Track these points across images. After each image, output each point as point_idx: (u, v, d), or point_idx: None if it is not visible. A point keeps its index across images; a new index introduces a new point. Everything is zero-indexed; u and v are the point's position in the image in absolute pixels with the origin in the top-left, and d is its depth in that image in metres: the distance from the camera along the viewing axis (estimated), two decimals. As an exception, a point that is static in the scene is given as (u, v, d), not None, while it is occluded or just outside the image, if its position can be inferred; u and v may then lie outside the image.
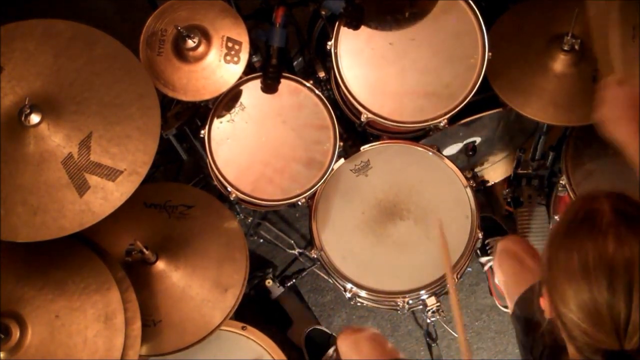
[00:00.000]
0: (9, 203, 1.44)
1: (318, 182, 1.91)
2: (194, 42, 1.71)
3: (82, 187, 1.47)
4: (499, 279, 1.88)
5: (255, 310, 2.34)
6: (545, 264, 1.09)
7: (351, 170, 1.99)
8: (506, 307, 2.39)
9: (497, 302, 2.42)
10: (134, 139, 1.51)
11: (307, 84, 1.93)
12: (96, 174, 1.48)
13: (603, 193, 1.06)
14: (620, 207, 1.04)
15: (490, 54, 1.86)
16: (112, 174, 1.49)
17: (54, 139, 1.47)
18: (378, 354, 1.52)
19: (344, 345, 1.61)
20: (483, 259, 2.38)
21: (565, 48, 1.85)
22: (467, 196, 1.94)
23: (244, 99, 1.93)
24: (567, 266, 1.03)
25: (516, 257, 1.72)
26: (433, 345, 2.34)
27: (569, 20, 1.79)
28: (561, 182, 2.03)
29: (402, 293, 1.87)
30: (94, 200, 1.47)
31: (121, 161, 1.50)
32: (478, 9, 1.88)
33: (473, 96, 1.88)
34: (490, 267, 2.39)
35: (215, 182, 2.01)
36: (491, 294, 2.43)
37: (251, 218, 2.41)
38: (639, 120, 1.30)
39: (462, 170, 1.98)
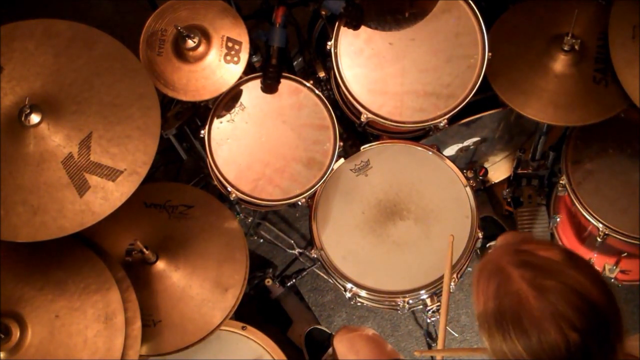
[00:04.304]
0: (9, 203, 1.44)
1: (318, 182, 1.91)
2: (194, 42, 1.71)
3: (82, 187, 1.47)
4: None
5: (255, 310, 2.34)
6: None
7: (351, 170, 1.99)
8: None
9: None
10: (134, 139, 1.51)
11: (307, 84, 1.93)
12: (96, 174, 1.48)
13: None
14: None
15: (490, 54, 1.86)
16: (112, 174, 1.49)
17: (54, 139, 1.47)
18: (376, 354, 1.51)
19: (340, 345, 1.60)
20: None
21: (565, 48, 1.85)
22: (467, 196, 1.94)
23: (244, 99, 1.93)
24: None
25: None
26: (433, 345, 2.34)
27: (569, 21, 1.79)
28: (561, 182, 2.03)
29: (402, 293, 1.87)
30: (94, 200, 1.47)
31: (121, 161, 1.50)
32: (478, 9, 1.87)
33: (473, 96, 1.88)
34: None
35: (215, 182, 2.01)
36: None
37: (251, 218, 2.41)
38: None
39: (462, 170, 1.98)
